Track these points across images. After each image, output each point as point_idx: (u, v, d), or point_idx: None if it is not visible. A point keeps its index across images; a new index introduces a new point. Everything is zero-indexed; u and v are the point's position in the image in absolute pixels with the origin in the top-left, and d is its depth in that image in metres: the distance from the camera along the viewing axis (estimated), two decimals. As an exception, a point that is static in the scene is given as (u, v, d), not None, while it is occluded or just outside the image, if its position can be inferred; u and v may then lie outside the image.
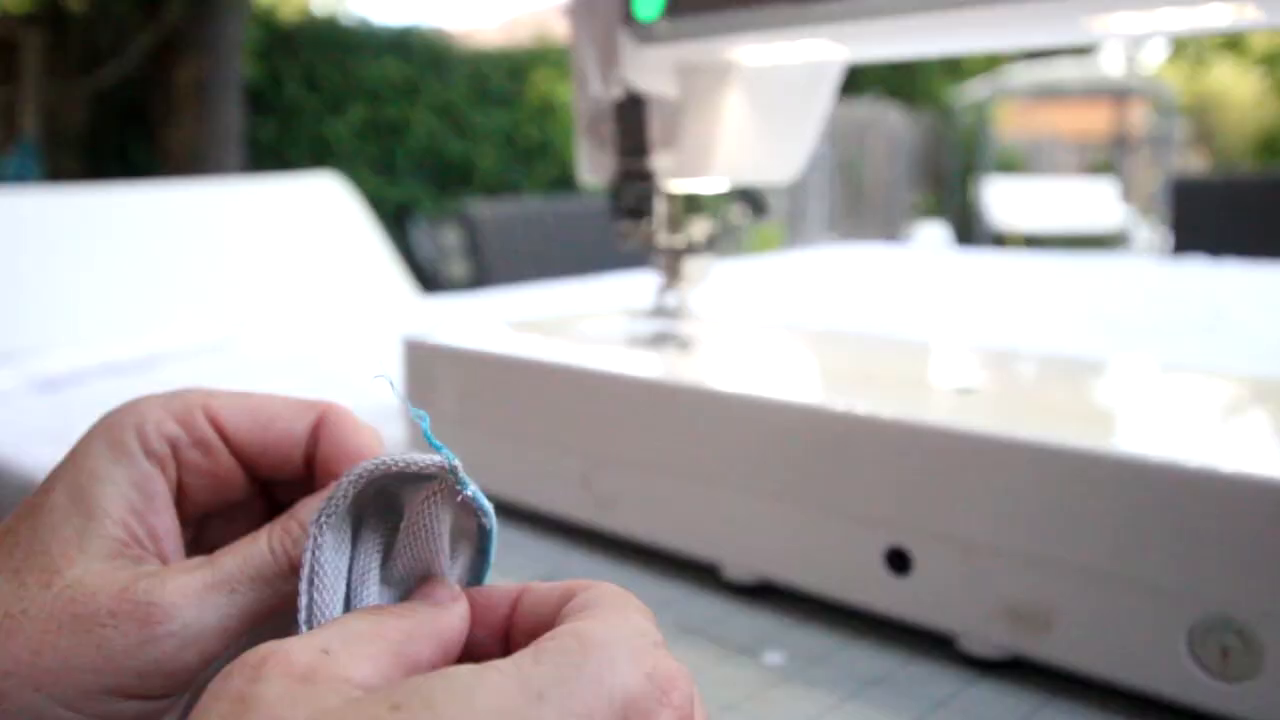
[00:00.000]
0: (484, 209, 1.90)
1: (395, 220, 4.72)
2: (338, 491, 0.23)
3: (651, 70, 0.56)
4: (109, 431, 0.26)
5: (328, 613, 0.23)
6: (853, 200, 6.25)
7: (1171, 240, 1.94)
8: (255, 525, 0.26)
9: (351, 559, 0.24)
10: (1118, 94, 6.22)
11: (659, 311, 0.61)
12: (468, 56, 5.72)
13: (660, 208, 0.59)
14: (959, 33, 0.47)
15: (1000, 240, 5.42)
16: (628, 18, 0.54)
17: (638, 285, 1.17)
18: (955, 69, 8.05)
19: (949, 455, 0.37)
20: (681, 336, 0.57)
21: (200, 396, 0.27)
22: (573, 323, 0.62)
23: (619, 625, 0.20)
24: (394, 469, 0.23)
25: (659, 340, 0.56)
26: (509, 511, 0.53)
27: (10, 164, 4.51)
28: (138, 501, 0.25)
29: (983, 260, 1.67)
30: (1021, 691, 0.36)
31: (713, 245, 0.61)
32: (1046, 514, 0.35)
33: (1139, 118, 6.28)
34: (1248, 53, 8.63)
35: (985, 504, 0.37)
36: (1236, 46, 8.63)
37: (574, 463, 0.49)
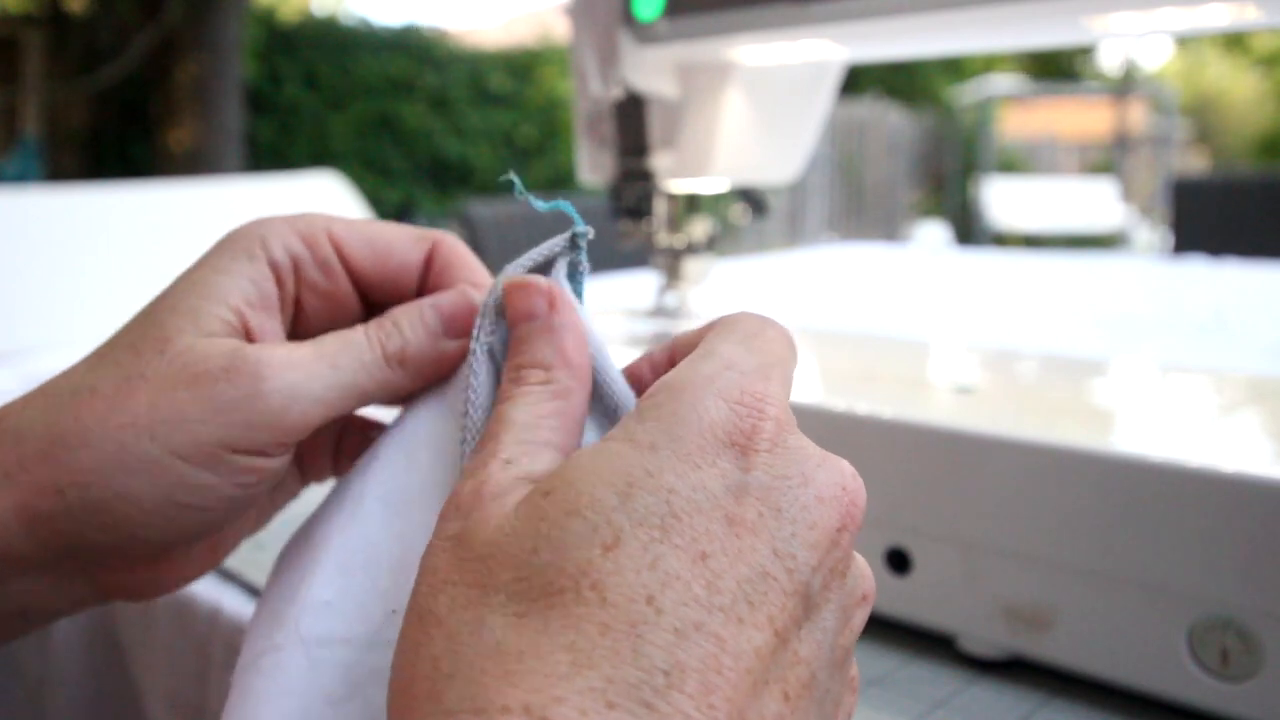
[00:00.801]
0: (484, 209, 1.90)
1: (394, 219, 4.72)
2: (485, 317, 0.26)
3: (651, 70, 0.56)
4: (235, 238, 0.27)
5: (482, 426, 0.25)
6: (853, 200, 6.25)
7: (1171, 240, 1.94)
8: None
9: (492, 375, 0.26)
10: (1118, 94, 6.22)
11: (659, 311, 0.61)
12: (467, 56, 5.72)
13: (660, 208, 0.59)
14: (959, 33, 0.47)
15: (1000, 240, 5.43)
16: (628, 18, 0.54)
17: (638, 285, 1.17)
18: (955, 69, 8.05)
19: (949, 455, 0.37)
20: (681, 336, 0.57)
21: (324, 220, 0.28)
22: (573, 323, 0.62)
23: (701, 366, 0.22)
24: (531, 263, 0.26)
25: (659, 340, 0.56)
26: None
27: (11, 164, 4.51)
28: (253, 297, 0.26)
29: (983, 260, 1.67)
30: (1021, 691, 0.36)
31: (713, 245, 0.61)
32: (1046, 514, 0.35)
33: (1139, 118, 6.28)
34: (1248, 53, 8.64)
35: (985, 504, 0.37)
36: (1236, 47, 8.63)
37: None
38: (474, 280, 0.29)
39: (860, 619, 0.22)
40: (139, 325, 0.26)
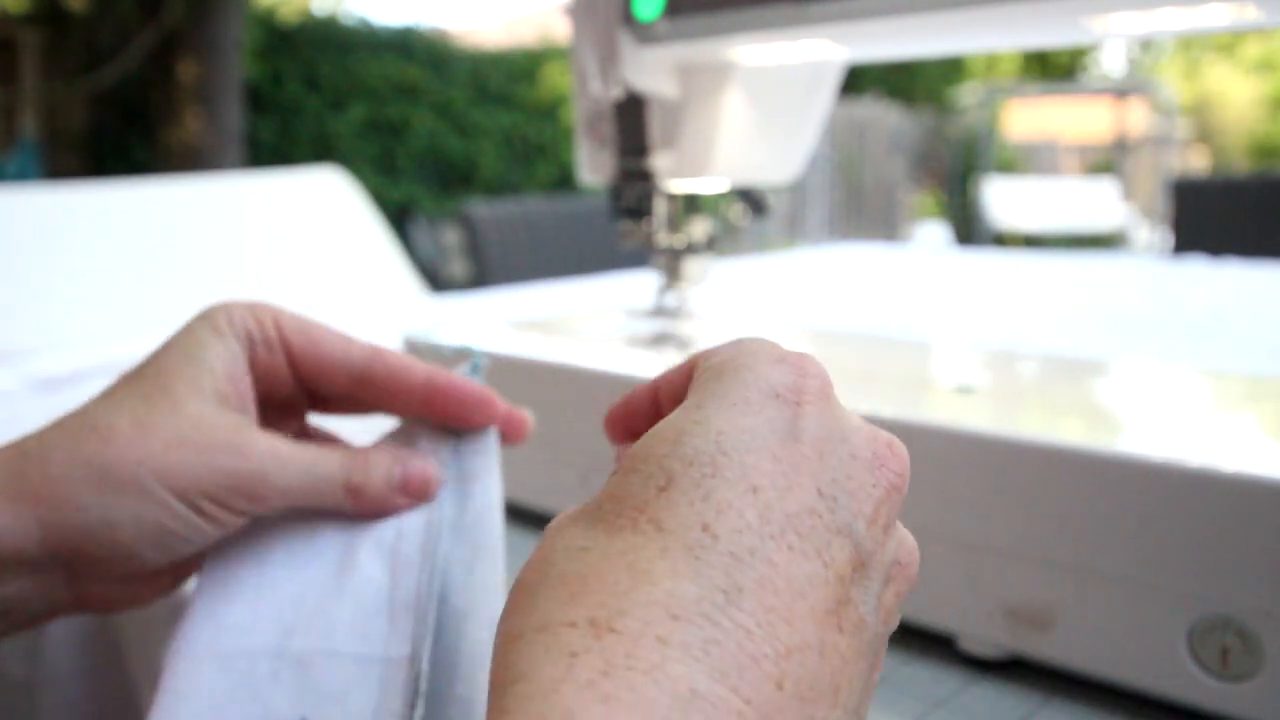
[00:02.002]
0: (484, 209, 1.90)
1: (395, 220, 4.72)
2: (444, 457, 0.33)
3: (651, 70, 0.56)
4: (206, 318, 0.32)
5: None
6: (853, 200, 6.24)
7: (1171, 240, 1.94)
8: (300, 427, 0.35)
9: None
10: (1118, 94, 6.22)
11: (659, 311, 0.61)
12: (468, 56, 5.72)
13: (660, 208, 0.59)
14: (959, 33, 0.47)
15: (1001, 240, 5.42)
16: (628, 18, 0.54)
17: (638, 285, 1.17)
18: (955, 69, 8.05)
19: (949, 455, 0.37)
20: (681, 336, 0.57)
21: (271, 308, 0.33)
22: (573, 323, 0.62)
23: (743, 344, 0.24)
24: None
25: (659, 340, 0.56)
26: (509, 511, 0.53)
27: (11, 164, 4.51)
28: (232, 369, 0.31)
29: (983, 260, 1.67)
30: (1021, 691, 0.36)
31: (712, 245, 0.61)
32: (1046, 514, 0.35)
33: (1139, 118, 6.29)
34: (1241, 60, 8.67)
35: (985, 504, 0.37)
36: (1230, 53, 8.67)
37: (574, 463, 0.49)
38: (408, 384, 0.33)
39: (902, 585, 0.22)
40: (146, 381, 0.30)
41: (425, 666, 0.27)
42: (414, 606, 0.29)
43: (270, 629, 0.29)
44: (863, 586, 0.21)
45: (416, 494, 0.32)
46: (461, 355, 0.35)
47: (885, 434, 0.23)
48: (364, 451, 0.32)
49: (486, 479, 0.33)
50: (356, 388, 0.33)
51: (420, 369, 0.33)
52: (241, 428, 0.30)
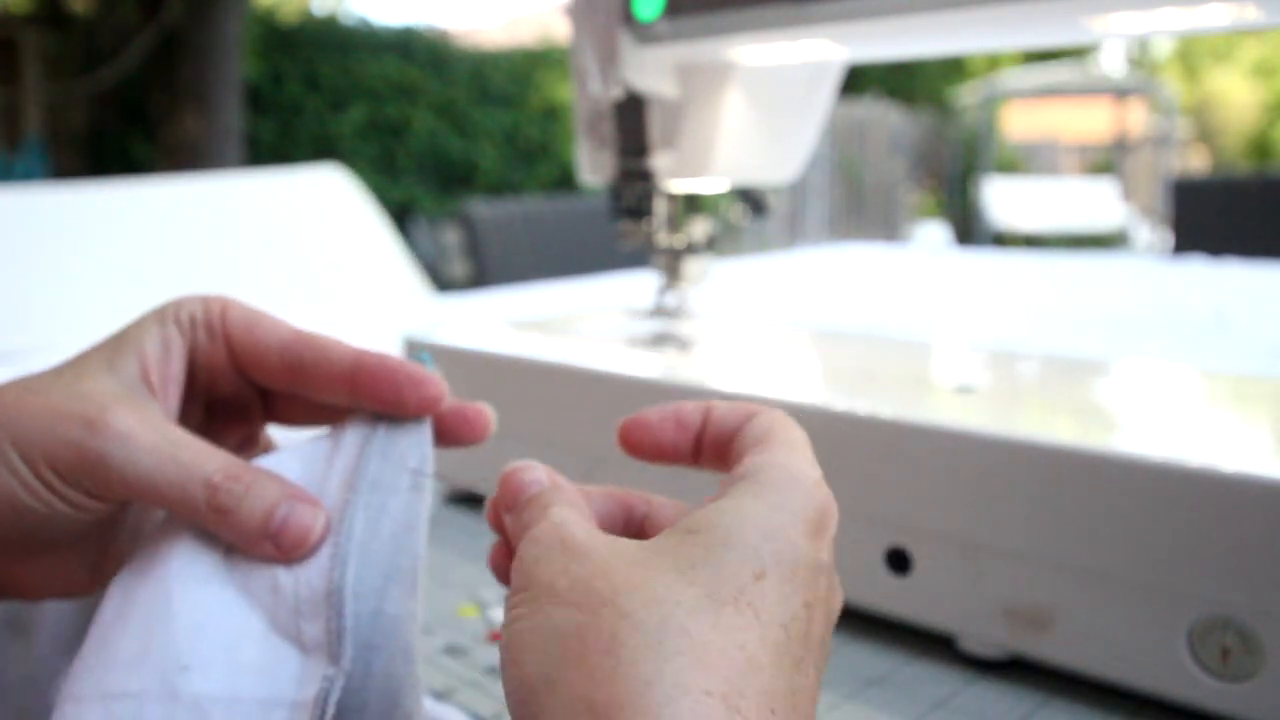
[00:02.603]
0: (484, 209, 1.90)
1: (395, 220, 4.72)
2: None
3: (651, 70, 0.56)
4: (160, 307, 0.31)
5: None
6: (853, 200, 6.24)
7: (1171, 240, 1.94)
8: (251, 428, 0.34)
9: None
10: (1118, 94, 6.22)
11: (659, 311, 0.61)
12: (469, 56, 5.72)
13: (660, 208, 0.59)
14: (959, 33, 0.47)
15: (1001, 240, 5.42)
16: (628, 18, 0.54)
17: (638, 285, 1.17)
18: (955, 69, 8.05)
19: (949, 455, 0.37)
20: (681, 336, 0.57)
21: (223, 299, 0.32)
22: (573, 322, 0.62)
23: (801, 455, 0.28)
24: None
25: (659, 340, 0.56)
26: (509, 511, 0.53)
27: (17, 164, 4.52)
28: (162, 352, 0.30)
29: (983, 260, 1.67)
30: (1021, 691, 0.36)
31: (712, 245, 0.61)
32: (1046, 514, 0.35)
33: (1139, 118, 6.28)
34: (1239, 63, 8.70)
35: (985, 504, 0.37)
36: (1228, 58, 8.69)
37: (574, 462, 0.49)
38: (337, 365, 0.30)
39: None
40: (79, 356, 0.29)
41: (332, 709, 0.25)
42: (325, 642, 0.26)
43: (162, 666, 0.25)
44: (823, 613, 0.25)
45: (287, 548, 0.27)
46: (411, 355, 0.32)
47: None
48: (253, 473, 0.28)
49: (409, 493, 0.28)
50: (289, 374, 0.31)
51: (348, 350, 0.30)
52: (114, 406, 0.27)
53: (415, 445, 0.29)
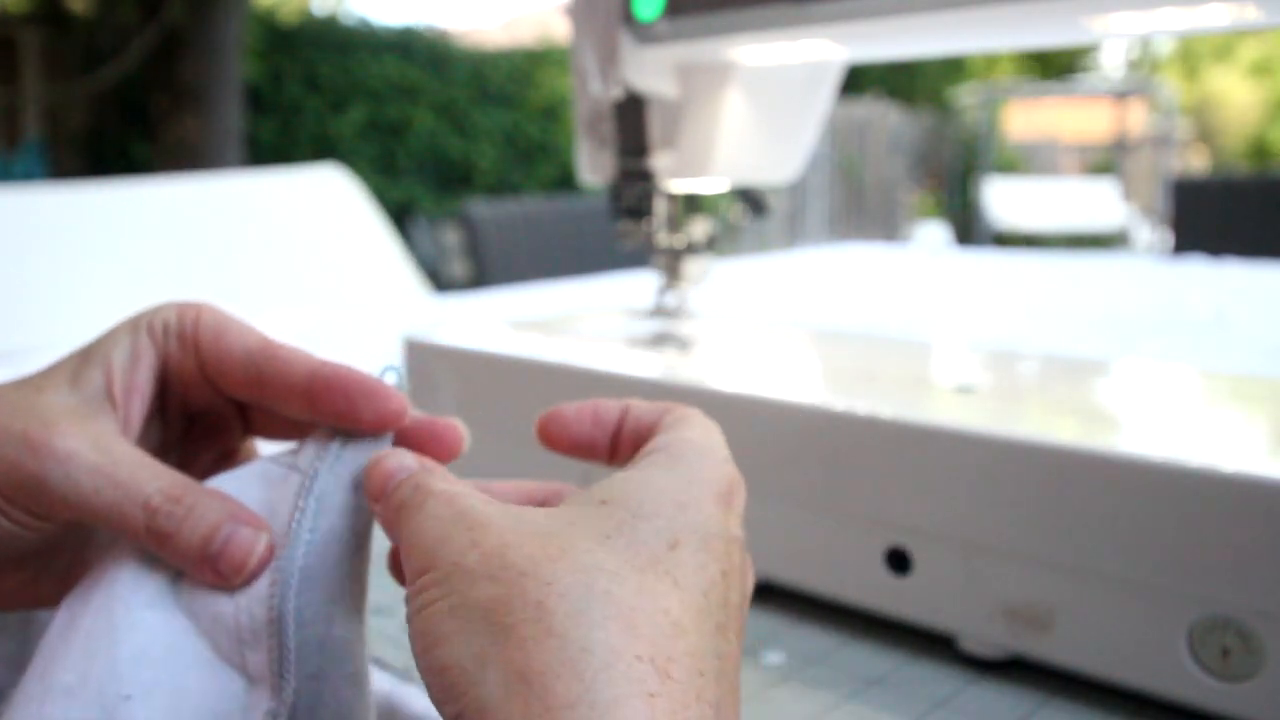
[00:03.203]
0: (484, 209, 1.90)
1: (396, 220, 4.73)
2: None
3: (651, 70, 0.56)
4: (136, 315, 0.30)
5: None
6: (853, 200, 6.24)
7: (1171, 240, 1.94)
8: (229, 441, 0.33)
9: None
10: (1118, 94, 6.22)
11: (659, 311, 0.61)
12: (469, 56, 5.72)
13: (660, 208, 0.59)
14: (959, 33, 0.47)
15: (1001, 240, 5.42)
16: (628, 18, 0.54)
17: (638, 285, 1.17)
18: (955, 69, 8.05)
19: (949, 455, 0.37)
20: (681, 336, 0.57)
21: (197, 305, 0.31)
22: (573, 322, 0.62)
23: (714, 437, 0.28)
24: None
25: (659, 340, 0.56)
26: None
27: (17, 164, 4.52)
28: (131, 364, 0.29)
29: (983, 260, 1.67)
30: (1021, 691, 0.36)
31: (712, 245, 0.61)
32: (1046, 514, 0.35)
33: (1139, 118, 6.28)
34: (1239, 63, 8.70)
35: (985, 504, 0.37)
36: (1227, 57, 8.69)
37: (574, 463, 0.49)
38: (295, 375, 0.29)
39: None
40: (48, 366, 0.29)
41: None
42: (269, 672, 0.25)
43: (103, 695, 0.24)
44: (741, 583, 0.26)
45: (227, 573, 0.26)
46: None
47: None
48: (195, 495, 0.27)
49: (354, 514, 0.27)
50: (251, 385, 0.30)
51: (307, 361, 0.29)
52: (62, 424, 0.27)
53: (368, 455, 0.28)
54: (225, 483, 0.28)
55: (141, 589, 0.26)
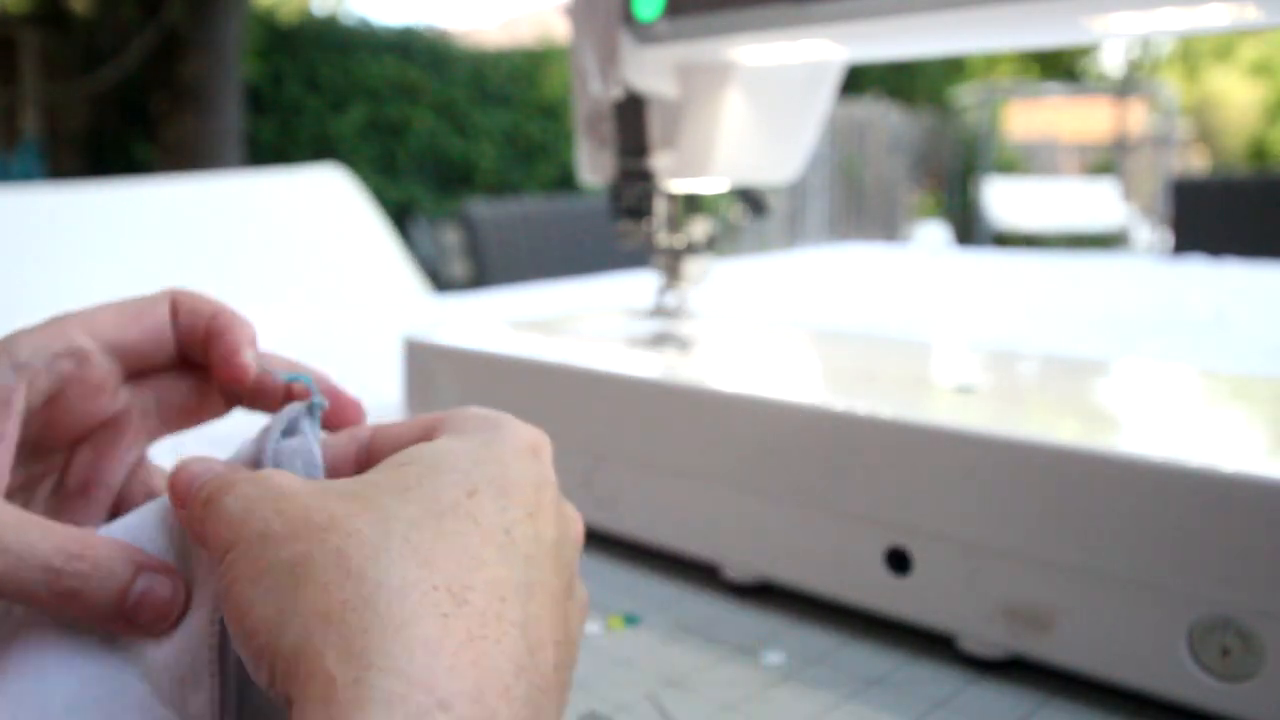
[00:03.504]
0: (484, 209, 1.90)
1: (396, 220, 4.72)
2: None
3: (651, 70, 0.56)
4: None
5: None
6: (853, 200, 6.24)
7: (1171, 240, 1.94)
8: (116, 465, 0.30)
9: None
10: (1118, 94, 6.22)
11: (659, 311, 0.61)
12: (469, 56, 5.72)
13: (660, 208, 0.59)
14: (959, 33, 0.47)
15: (1001, 240, 5.42)
16: (628, 18, 0.54)
17: (638, 285, 1.17)
18: (955, 69, 8.05)
19: (949, 455, 0.37)
20: (681, 336, 0.57)
21: (74, 314, 0.29)
22: (573, 322, 0.62)
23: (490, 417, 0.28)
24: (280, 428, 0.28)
25: (659, 340, 0.56)
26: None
27: (15, 163, 4.51)
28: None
29: (983, 260, 1.67)
30: (1021, 691, 0.36)
31: (712, 245, 0.61)
32: (1046, 514, 0.35)
33: (1139, 118, 6.28)
34: (1238, 63, 8.72)
35: (985, 504, 0.37)
36: (1227, 57, 8.70)
37: (574, 462, 0.49)
38: (217, 325, 0.30)
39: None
40: None
41: None
42: (209, 713, 0.24)
43: None
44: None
45: (147, 626, 0.24)
46: (298, 390, 0.30)
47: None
48: (96, 548, 0.24)
49: None
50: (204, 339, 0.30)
51: (211, 307, 0.30)
52: None
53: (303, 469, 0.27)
54: (123, 529, 0.26)
55: (70, 637, 0.24)
